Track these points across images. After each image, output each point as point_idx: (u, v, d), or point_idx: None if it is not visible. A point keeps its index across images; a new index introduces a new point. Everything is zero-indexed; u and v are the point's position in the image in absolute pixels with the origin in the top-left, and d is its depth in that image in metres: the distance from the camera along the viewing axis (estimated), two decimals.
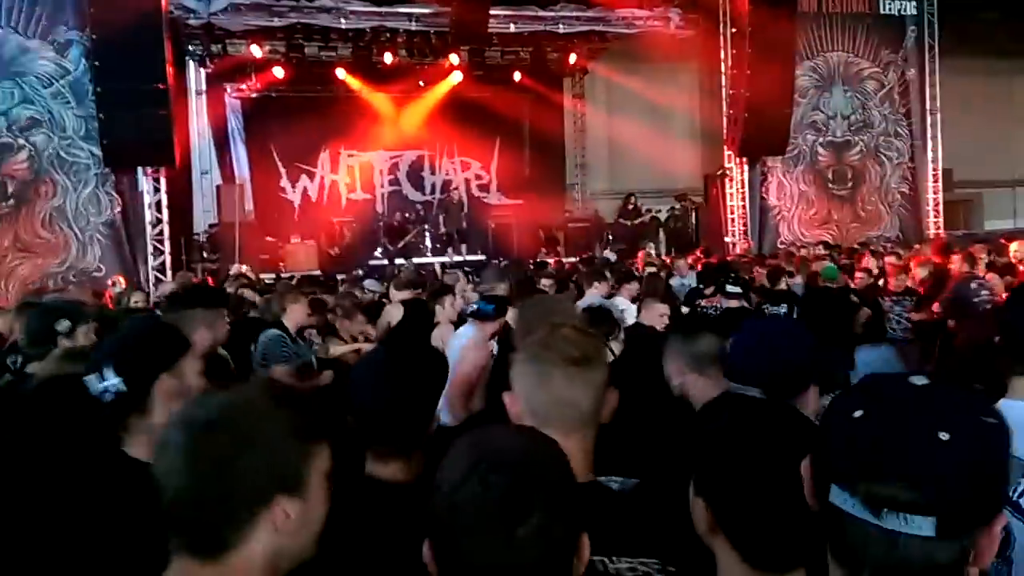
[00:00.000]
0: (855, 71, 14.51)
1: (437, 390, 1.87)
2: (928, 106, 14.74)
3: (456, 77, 14.90)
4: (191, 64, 14.05)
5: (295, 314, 5.05)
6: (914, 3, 14.47)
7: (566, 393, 1.50)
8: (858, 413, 0.88)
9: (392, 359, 1.88)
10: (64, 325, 3.24)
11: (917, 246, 11.65)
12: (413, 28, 13.39)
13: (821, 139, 14.41)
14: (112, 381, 1.84)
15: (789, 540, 1.15)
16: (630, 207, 15.08)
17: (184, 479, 1.13)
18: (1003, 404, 1.67)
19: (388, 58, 13.89)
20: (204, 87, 14.40)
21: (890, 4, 14.46)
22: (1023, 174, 18.13)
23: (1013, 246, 8.22)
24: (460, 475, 0.99)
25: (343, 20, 12.91)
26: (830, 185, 14.54)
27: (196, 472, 1.13)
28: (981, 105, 16.72)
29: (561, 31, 13.87)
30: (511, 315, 4.07)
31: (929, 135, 14.80)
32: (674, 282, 8.29)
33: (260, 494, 1.13)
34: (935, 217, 14.89)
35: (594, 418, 1.54)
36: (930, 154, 14.83)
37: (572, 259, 12.47)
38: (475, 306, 4.58)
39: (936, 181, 14.89)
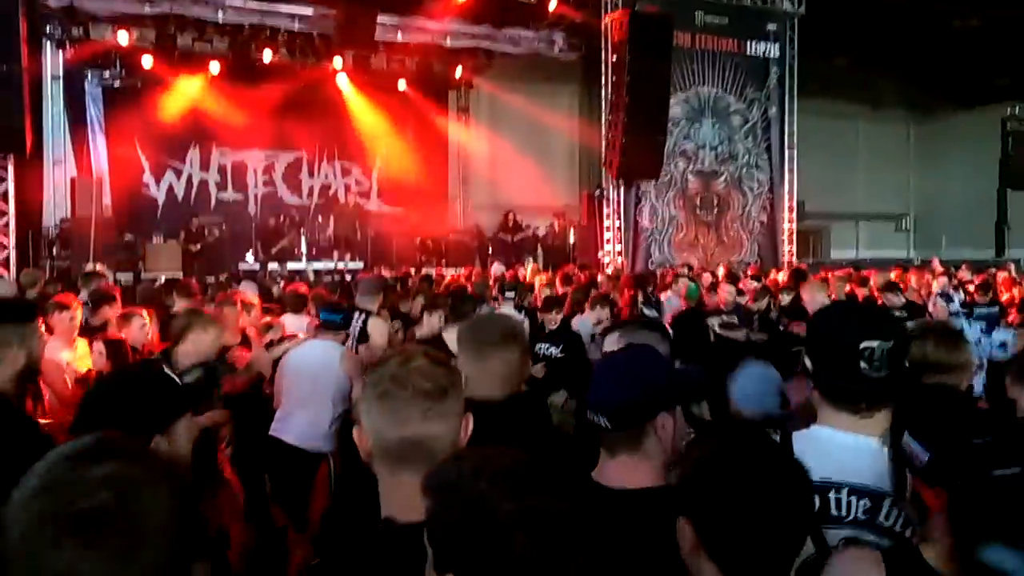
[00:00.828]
0: (723, 105, 15.38)
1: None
2: (786, 142, 15.84)
3: (340, 80, 14.59)
4: (48, 46, 12.99)
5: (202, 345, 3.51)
6: (777, 46, 15.54)
7: (422, 431, 1.40)
8: (1013, 470, 0.88)
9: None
10: None
11: (774, 271, 12.43)
12: (296, 28, 13.04)
13: (691, 167, 15.17)
14: None
15: (770, 561, 1.20)
16: (510, 223, 15.27)
17: None
18: (812, 431, 1.71)
19: (268, 56, 13.39)
20: (61, 72, 13.34)
21: (755, 46, 15.46)
22: (863, 209, 19.87)
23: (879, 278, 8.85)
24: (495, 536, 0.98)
25: (221, 13, 12.39)
26: (698, 211, 15.32)
27: None
28: (831, 144, 18.23)
29: (448, 45, 13.91)
30: (449, 335, 4.03)
31: (786, 169, 15.89)
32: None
33: None
34: (789, 245, 15.98)
35: (451, 449, 1.46)
36: (786, 186, 15.93)
37: (454, 271, 12.45)
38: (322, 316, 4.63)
39: (791, 212, 16.01)
